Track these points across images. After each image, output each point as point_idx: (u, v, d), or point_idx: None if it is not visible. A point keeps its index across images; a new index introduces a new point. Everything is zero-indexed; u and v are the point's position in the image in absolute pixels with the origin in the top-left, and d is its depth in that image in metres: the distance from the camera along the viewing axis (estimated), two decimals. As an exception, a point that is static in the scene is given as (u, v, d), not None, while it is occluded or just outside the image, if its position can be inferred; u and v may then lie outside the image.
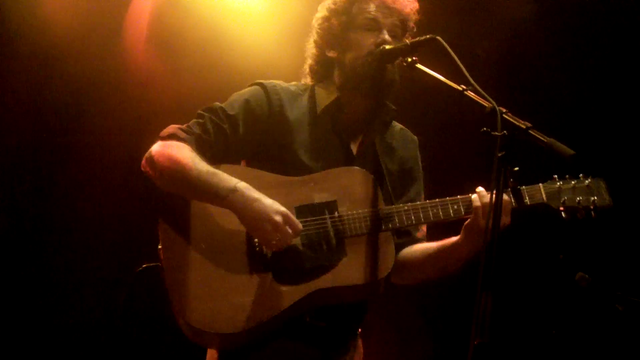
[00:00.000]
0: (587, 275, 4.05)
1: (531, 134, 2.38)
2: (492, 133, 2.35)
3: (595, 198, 2.92)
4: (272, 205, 2.79)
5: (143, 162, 2.96)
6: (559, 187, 2.93)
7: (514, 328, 5.01)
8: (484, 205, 2.83)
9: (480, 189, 2.90)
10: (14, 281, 5.18)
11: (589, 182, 2.95)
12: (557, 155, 2.33)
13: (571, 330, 5.15)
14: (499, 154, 2.32)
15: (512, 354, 4.99)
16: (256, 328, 2.78)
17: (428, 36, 2.82)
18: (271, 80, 3.13)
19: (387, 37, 3.01)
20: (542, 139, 2.37)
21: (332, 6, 3.13)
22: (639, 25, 5.00)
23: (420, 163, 3.26)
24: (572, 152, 2.34)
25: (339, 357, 3.00)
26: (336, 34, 3.10)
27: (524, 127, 2.39)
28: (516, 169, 2.40)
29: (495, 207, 2.28)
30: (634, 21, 5.01)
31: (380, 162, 3.10)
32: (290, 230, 2.78)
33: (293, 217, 2.80)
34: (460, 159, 5.09)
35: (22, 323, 5.16)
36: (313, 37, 3.19)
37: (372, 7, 3.05)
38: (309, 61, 3.22)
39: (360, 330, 3.12)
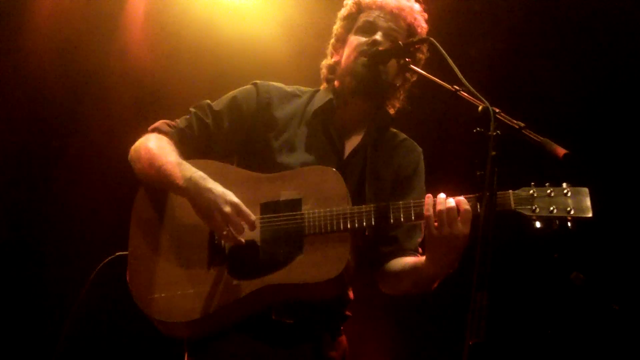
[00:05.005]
0: (581, 274, 4.07)
1: (525, 133, 2.37)
2: (486, 133, 2.34)
3: (573, 208, 2.69)
4: (222, 195, 2.79)
5: (129, 154, 3.06)
6: (531, 195, 2.74)
7: (509, 328, 5.01)
8: (438, 212, 2.74)
9: (429, 195, 2.81)
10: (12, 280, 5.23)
11: (569, 191, 2.73)
12: (551, 155, 2.32)
13: (566, 330, 5.16)
14: (492, 154, 2.31)
15: (507, 354, 5.00)
16: (209, 318, 2.83)
17: (421, 37, 2.83)
18: (268, 82, 3.19)
19: (378, 37, 3.04)
20: (536, 138, 2.36)
21: (343, 13, 3.23)
22: (636, 26, 5.00)
23: (422, 174, 3.21)
24: (565, 151, 2.30)
25: (307, 354, 2.97)
26: (339, 38, 3.20)
27: (517, 127, 2.38)
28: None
29: (488, 208, 2.27)
30: (632, 22, 5.01)
31: (366, 166, 3.08)
32: (241, 222, 2.78)
33: (244, 208, 2.79)
34: (447, 160, 5.08)
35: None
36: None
37: (375, 13, 3.11)
38: (323, 68, 3.28)
39: (342, 327, 3.10)
